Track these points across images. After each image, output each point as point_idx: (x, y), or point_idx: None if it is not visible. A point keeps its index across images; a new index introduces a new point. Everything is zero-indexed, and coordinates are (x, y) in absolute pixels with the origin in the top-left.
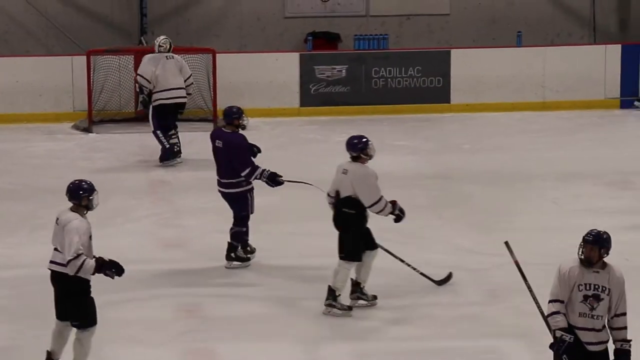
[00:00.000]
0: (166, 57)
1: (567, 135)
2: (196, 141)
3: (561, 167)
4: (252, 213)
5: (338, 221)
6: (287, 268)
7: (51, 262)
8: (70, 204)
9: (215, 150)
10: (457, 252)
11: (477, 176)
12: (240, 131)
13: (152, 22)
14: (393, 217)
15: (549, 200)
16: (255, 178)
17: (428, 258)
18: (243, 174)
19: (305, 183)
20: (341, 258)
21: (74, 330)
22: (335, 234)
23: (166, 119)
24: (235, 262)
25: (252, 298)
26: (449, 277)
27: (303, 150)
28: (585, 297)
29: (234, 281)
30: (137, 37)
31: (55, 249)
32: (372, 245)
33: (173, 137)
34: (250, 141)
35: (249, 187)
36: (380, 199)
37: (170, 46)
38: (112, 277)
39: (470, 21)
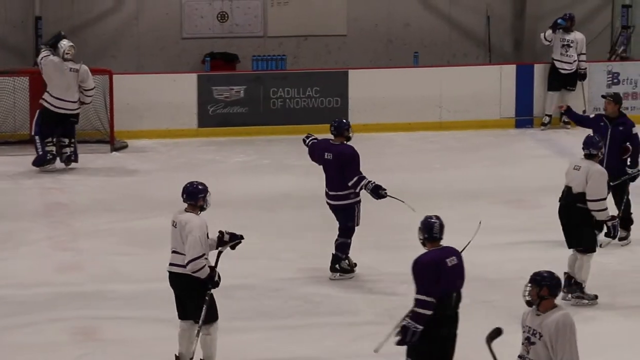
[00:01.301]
0: (70, 68)
1: (464, 154)
2: (94, 162)
3: (458, 186)
4: (357, 225)
5: (572, 216)
6: None
7: (171, 264)
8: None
9: (325, 162)
10: (356, 269)
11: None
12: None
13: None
14: (608, 224)
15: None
16: (361, 189)
17: (330, 282)
18: (350, 184)
19: (402, 201)
20: (580, 251)
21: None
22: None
23: (50, 127)
24: (339, 274)
25: (151, 320)
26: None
27: (202, 171)
28: (525, 340)
29: (132, 303)
30: (32, 58)
31: (175, 252)
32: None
33: (49, 144)
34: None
35: (357, 199)
36: (605, 199)
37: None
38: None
39: (367, 42)
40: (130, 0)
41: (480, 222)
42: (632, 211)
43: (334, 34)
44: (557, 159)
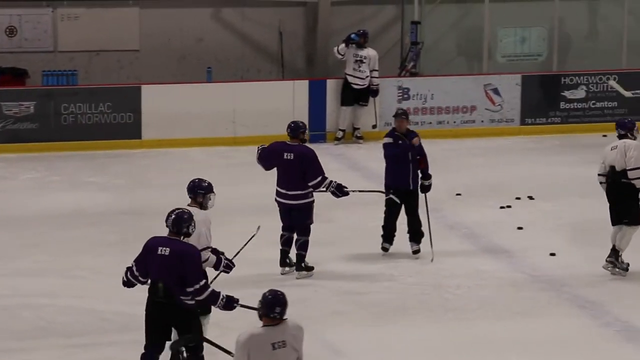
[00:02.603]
0: None
1: (257, 170)
2: None
3: (250, 202)
4: (312, 223)
5: (616, 192)
6: None
7: None
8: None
9: (285, 163)
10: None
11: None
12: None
13: None
14: None
15: (236, 235)
16: (324, 188)
17: (122, 297)
18: (312, 183)
19: (370, 191)
20: (625, 223)
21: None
22: None
23: None
24: (304, 272)
25: None
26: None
27: None
28: None
29: None
30: None
31: None
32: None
33: None
34: None
35: (313, 198)
36: None
37: None
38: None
39: (160, 57)
40: None
41: (259, 227)
42: (423, 224)
43: (126, 49)
44: (350, 172)
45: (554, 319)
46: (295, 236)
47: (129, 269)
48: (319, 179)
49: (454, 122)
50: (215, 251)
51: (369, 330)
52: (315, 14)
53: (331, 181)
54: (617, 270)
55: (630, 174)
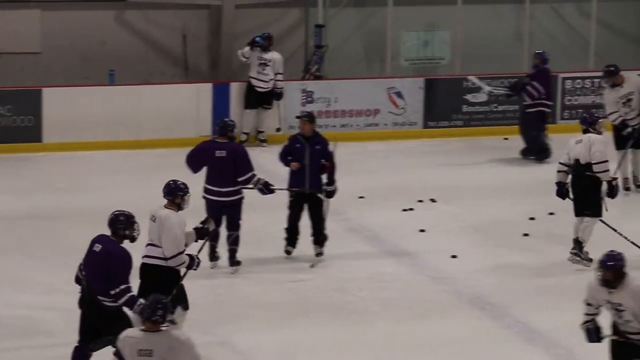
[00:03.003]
0: None
1: (162, 173)
2: None
3: (155, 204)
4: (241, 219)
5: (580, 184)
6: None
7: (147, 256)
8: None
9: (217, 160)
10: (51, 292)
11: (74, 215)
12: None
13: None
14: (612, 183)
15: (143, 239)
16: (252, 184)
17: (21, 301)
18: (242, 179)
19: (294, 190)
20: (588, 215)
21: None
22: None
23: None
24: (236, 266)
25: None
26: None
27: None
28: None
29: None
30: None
31: (151, 244)
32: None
33: None
34: None
35: (243, 194)
36: (607, 161)
37: None
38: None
39: (62, 60)
40: None
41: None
42: (326, 227)
43: (27, 52)
44: None
45: (456, 320)
46: (222, 232)
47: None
48: (249, 175)
49: (358, 125)
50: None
51: (272, 333)
52: (219, 17)
53: (259, 178)
54: (581, 261)
55: (596, 168)
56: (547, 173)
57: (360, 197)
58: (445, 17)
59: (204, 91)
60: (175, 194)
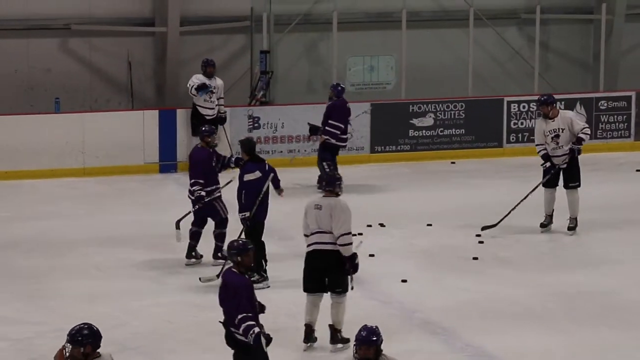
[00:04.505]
0: None
1: (109, 200)
2: None
3: (103, 232)
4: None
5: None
6: None
7: (317, 243)
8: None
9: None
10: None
11: (19, 244)
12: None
13: None
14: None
15: (93, 266)
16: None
17: None
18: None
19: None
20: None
21: None
22: None
23: None
24: (220, 260)
25: None
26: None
27: None
28: None
29: None
30: None
31: (321, 232)
32: None
33: None
34: None
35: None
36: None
37: None
38: None
39: (7, 88)
40: None
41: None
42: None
43: None
44: None
45: (407, 345)
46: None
47: None
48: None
49: (305, 150)
50: None
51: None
52: (164, 43)
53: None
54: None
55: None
56: (495, 197)
57: (381, 225)
58: (390, 41)
59: (150, 118)
60: (333, 184)
